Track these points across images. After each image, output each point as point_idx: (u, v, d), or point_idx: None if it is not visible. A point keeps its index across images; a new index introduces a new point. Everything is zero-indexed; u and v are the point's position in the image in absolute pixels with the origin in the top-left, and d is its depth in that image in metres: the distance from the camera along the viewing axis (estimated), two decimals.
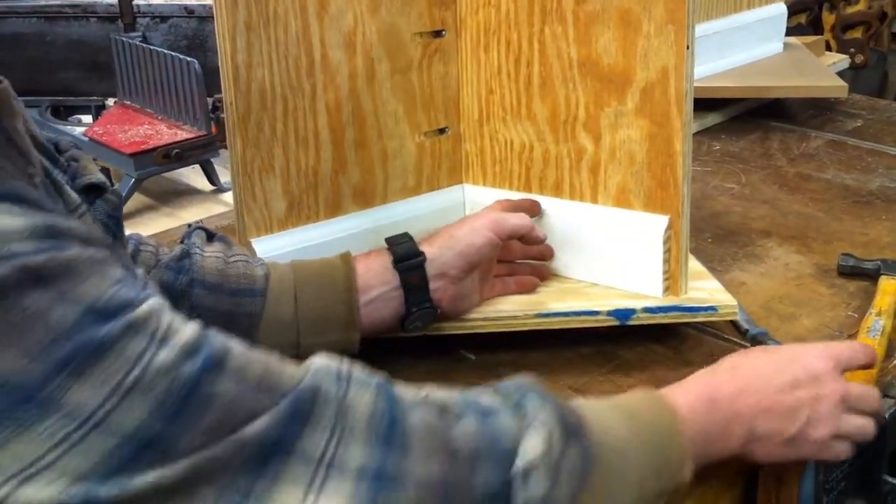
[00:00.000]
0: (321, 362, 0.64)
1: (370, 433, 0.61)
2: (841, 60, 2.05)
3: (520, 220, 1.05)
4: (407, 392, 0.66)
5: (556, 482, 0.66)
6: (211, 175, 1.56)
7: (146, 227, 1.44)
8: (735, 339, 1.08)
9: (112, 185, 0.77)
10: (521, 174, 1.15)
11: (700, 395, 0.80)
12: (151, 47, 1.55)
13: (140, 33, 1.63)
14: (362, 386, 0.63)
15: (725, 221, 1.39)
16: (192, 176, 1.60)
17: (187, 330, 0.58)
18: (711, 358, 1.03)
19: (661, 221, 1.05)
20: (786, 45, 1.91)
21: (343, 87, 1.07)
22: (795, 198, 1.46)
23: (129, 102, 1.63)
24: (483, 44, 1.13)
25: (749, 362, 0.85)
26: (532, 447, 0.66)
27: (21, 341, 0.52)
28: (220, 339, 0.60)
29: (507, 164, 1.16)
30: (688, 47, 0.99)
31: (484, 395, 0.70)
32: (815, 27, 3.06)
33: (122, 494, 0.54)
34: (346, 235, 1.10)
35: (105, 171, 0.78)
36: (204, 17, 1.67)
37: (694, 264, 1.12)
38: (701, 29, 1.69)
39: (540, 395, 0.70)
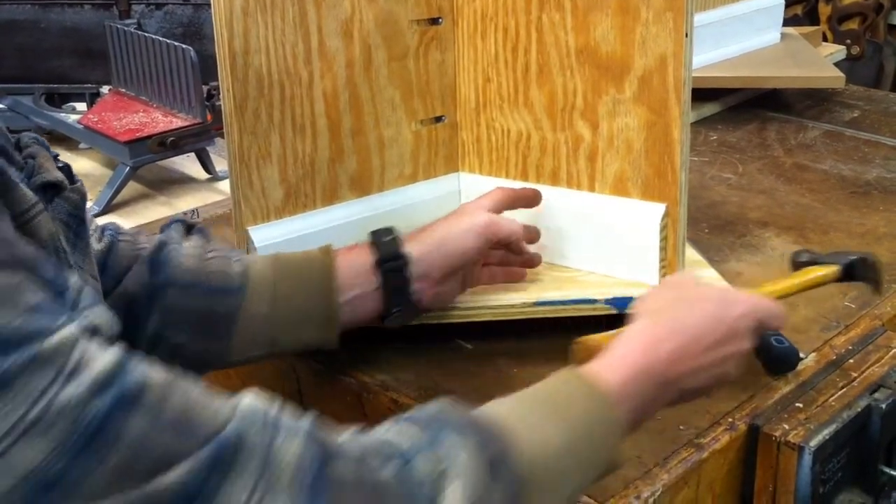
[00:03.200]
0: (249, 404, 0.60)
1: (296, 486, 0.58)
2: (837, 51, 2.05)
3: (512, 227, 1.03)
4: (331, 438, 0.63)
5: None
6: (206, 163, 1.55)
7: (141, 215, 1.43)
8: None
9: (74, 182, 0.76)
10: (517, 162, 1.14)
11: (635, 369, 0.77)
12: (146, 34, 1.54)
13: (135, 20, 1.62)
14: (290, 433, 0.60)
15: (722, 212, 1.38)
16: (188, 164, 1.59)
17: (101, 361, 0.54)
18: None
19: (657, 209, 1.05)
20: (783, 36, 1.91)
21: (340, 74, 1.06)
22: (792, 188, 1.46)
23: (123, 90, 1.61)
24: (480, 31, 1.12)
25: (683, 317, 0.82)
26: (453, 501, 0.62)
27: None
28: (138, 371, 0.56)
29: (504, 152, 1.15)
30: (686, 35, 0.98)
31: (403, 434, 0.66)
32: (811, 18, 3.06)
33: None
34: (343, 223, 1.10)
35: (67, 168, 0.77)
36: (199, 5, 1.65)
37: (691, 253, 1.12)
38: (698, 19, 1.65)
39: (458, 427, 0.66)
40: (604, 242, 1.09)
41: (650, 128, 1.03)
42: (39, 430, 0.51)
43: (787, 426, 0.90)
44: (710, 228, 1.33)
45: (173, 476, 0.54)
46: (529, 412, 0.72)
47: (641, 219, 1.05)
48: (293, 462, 0.58)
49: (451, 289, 1.02)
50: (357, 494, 0.60)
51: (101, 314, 0.59)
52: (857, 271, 1.04)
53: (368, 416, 1.01)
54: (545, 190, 1.12)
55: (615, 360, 0.77)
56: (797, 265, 1.09)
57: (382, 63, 1.10)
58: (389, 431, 0.66)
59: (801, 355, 1.01)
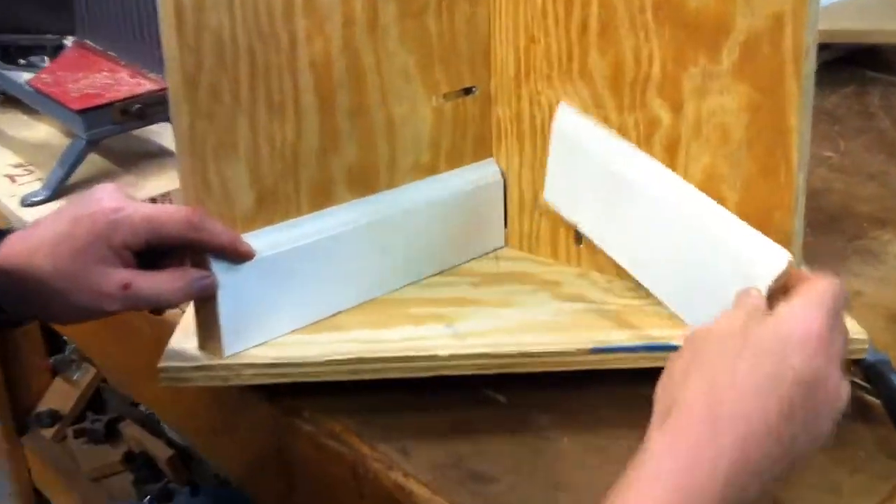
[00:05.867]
0: None
1: None
2: None
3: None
4: None
5: None
6: None
7: None
8: (854, 379, 0.83)
9: None
10: None
11: (678, 489, 0.56)
12: None
13: None
14: None
15: (825, 202, 1.15)
16: (166, 134, 1.34)
17: None
18: None
19: (781, 257, 0.75)
20: None
21: (335, 36, 0.84)
22: None
23: (89, 43, 1.37)
24: None
25: (729, 390, 0.59)
26: None
27: None
28: None
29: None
30: None
31: None
32: None
33: None
34: (340, 233, 0.88)
35: None
36: None
37: None
38: None
39: None
40: (691, 273, 0.82)
41: (755, 111, 0.81)
42: None
43: None
44: (811, 227, 1.07)
45: None
46: None
47: (755, 263, 0.76)
48: None
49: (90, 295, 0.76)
50: None
51: None
52: None
53: (365, 497, 0.81)
54: (658, 169, 0.87)
55: (645, 480, 0.57)
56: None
57: (393, 21, 0.88)
58: None
59: None
